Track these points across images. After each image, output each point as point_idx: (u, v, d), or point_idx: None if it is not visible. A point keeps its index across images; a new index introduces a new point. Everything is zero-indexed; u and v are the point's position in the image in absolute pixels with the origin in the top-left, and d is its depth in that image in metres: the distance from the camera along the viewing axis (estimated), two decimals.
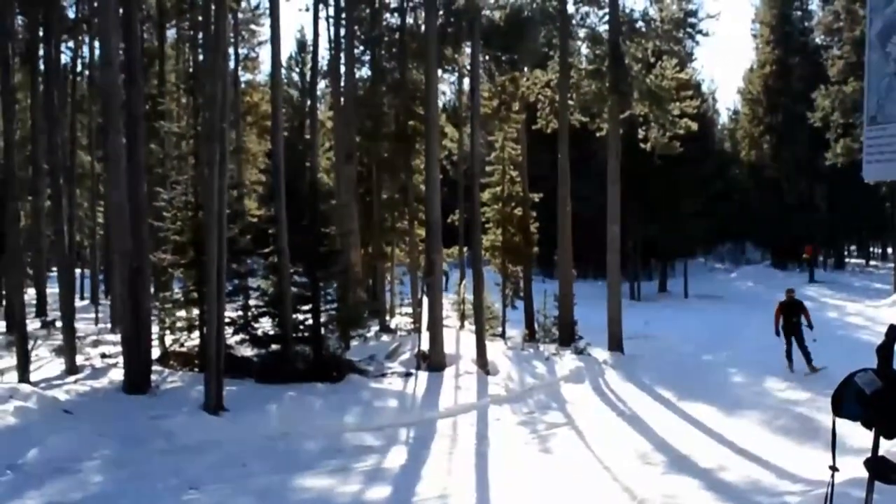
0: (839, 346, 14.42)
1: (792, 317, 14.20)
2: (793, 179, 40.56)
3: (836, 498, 2.97)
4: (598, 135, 20.76)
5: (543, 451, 9.71)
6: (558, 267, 20.98)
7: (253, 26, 27.71)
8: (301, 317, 13.35)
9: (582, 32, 20.41)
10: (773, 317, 14.54)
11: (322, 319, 13.45)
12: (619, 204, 18.66)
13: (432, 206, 15.17)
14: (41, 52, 18.79)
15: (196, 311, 13.34)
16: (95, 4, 17.09)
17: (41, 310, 20.93)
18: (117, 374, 11.71)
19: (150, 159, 15.71)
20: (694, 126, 19.78)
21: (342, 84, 19.48)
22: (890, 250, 41.79)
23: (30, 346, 12.07)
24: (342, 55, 19.49)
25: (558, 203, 19.35)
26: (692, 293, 34.75)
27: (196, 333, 13.25)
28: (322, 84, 25.75)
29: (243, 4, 25.40)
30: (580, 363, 15.95)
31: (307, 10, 21.33)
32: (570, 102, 19.70)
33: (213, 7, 12.01)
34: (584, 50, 21.47)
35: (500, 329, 20.96)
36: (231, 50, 22.49)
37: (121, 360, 11.80)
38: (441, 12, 18.01)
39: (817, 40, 38.40)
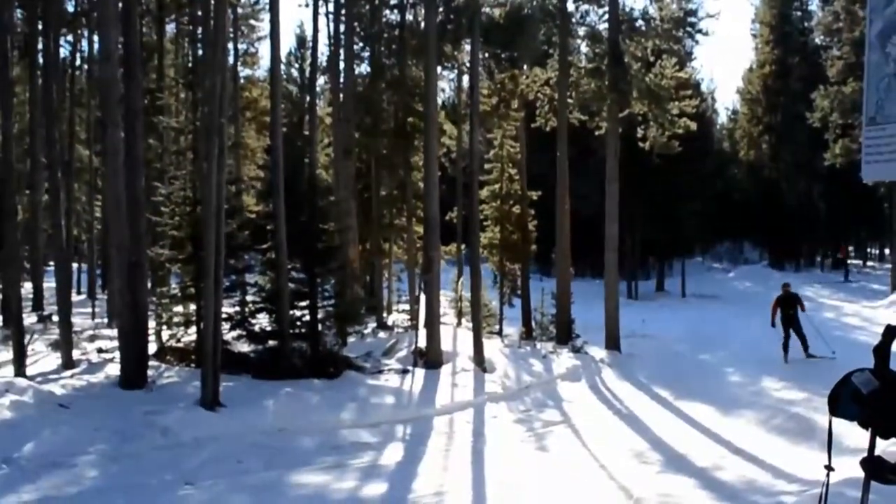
0: (836, 347, 14.44)
1: (789, 309, 14.83)
2: (791, 179, 40.61)
3: (832, 497, 2.97)
4: (597, 133, 20.74)
5: (540, 448, 9.71)
6: (556, 265, 21.00)
7: (252, 21, 27.65)
8: (298, 313, 13.35)
9: (582, 31, 20.43)
10: (770, 313, 15.13)
11: (319, 316, 13.44)
12: (617, 203, 18.68)
13: (431, 202, 15.17)
14: (40, 46, 18.75)
15: (193, 307, 13.32)
16: None
17: (38, 304, 20.90)
18: (114, 369, 11.68)
19: (148, 154, 15.69)
20: (693, 125, 19.79)
21: (341, 80, 19.46)
22: (888, 251, 41.81)
23: (26, 341, 12.03)
24: (342, 51, 19.46)
25: (557, 201, 19.36)
26: (690, 292, 34.80)
27: (193, 329, 13.24)
28: (321, 80, 25.75)
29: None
30: (577, 361, 15.96)
31: (307, 5, 21.34)
32: (570, 101, 19.69)
33: (212, 1, 11.98)
34: (584, 48, 21.48)
35: (497, 327, 20.98)
36: (230, 45, 22.41)
37: (117, 354, 11.77)
38: (441, 9, 17.97)
39: (817, 40, 38.43)
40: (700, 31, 19.83)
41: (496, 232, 22.28)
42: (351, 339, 15.04)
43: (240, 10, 25.39)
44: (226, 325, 12.48)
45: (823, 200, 40.27)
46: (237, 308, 13.80)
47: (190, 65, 22.19)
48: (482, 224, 21.04)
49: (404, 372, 13.53)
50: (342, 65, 19.45)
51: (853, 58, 27.07)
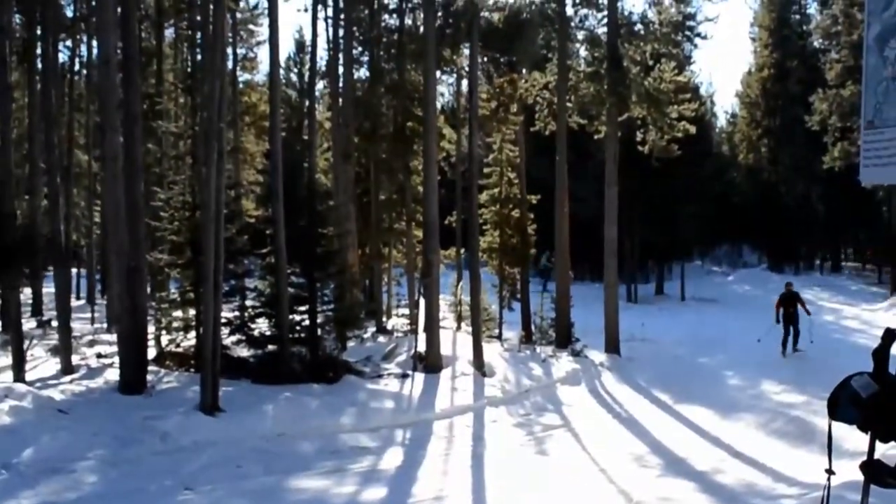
0: (835, 349, 14.47)
1: (790, 307, 15.86)
2: (790, 182, 40.62)
3: (832, 501, 2.97)
4: (596, 137, 20.76)
5: (539, 452, 9.71)
6: (555, 269, 20.98)
7: (251, 26, 27.64)
8: (298, 317, 13.35)
9: (580, 34, 20.42)
10: (771, 313, 16.19)
11: (319, 320, 13.43)
12: (616, 206, 18.70)
13: (430, 207, 15.17)
14: (39, 51, 18.75)
15: (192, 312, 13.31)
16: (93, 3, 17.05)
17: (37, 309, 20.87)
18: (113, 374, 11.68)
19: (147, 159, 15.69)
20: (692, 129, 19.79)
21: (340, 84, 19.47)
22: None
23: (25, 346, 12.03)
24: (341, 56, 19.48)
25: (556, 205, 19.35)
26: (689, 296, 34.77)
27: (192, 334, 13.23)
28: (320, 84, 25.75)
29: (242, 4, 25.34)
30: (577, 365, 15.96)
31: (306, 10, 21.31)
32: (569, 104, 19.71)
33: (211, 6, 11.99)
34: (583, 52, 21.48)
35: (496, 331, 20.95)
36: (229, 50, 22.44)
37: (117, 360, 11.77)
38: (440, 13, 18.00)
39: (815, 44, 38.44)
40: (699, 34, 19.92)
41: (495, 236, 22.26)
42: (350, 344, 15.02)
43: (239, 15, 25.40)
44: (225, 330, 12.47)
45: (822, 203, 40.28)
46: (236, 313, 13.80)
47: (189, 69, 22.21)
48: (481, 228, 21.03)
49: (404, 376, 13.52)
50: (341, 69, 19.47)
51: (851, 61, 27.10)
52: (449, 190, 24.13)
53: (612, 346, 18.11)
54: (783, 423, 10.71)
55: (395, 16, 21.72)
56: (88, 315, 20.79)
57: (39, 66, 18.66)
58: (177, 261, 13.42)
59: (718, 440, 10.03)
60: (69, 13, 22.87)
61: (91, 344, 15.44)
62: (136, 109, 11.78)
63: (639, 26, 19.24)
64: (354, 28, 20.13)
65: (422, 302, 15.66)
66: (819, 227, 40.55)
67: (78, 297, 25.65)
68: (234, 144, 22.55)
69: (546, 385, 14.16)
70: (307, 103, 25.66)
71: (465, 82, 23.14)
